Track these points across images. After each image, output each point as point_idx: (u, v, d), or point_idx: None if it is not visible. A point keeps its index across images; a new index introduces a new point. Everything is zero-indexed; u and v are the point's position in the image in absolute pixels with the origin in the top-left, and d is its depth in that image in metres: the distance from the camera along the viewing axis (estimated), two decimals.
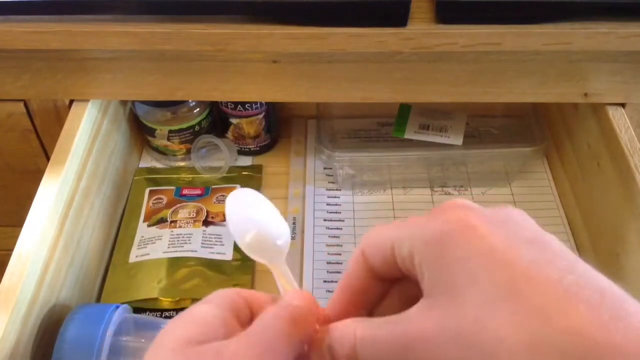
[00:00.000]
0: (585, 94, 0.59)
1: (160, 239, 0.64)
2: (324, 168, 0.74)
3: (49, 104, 0.62)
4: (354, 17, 0.51)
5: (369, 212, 0.70)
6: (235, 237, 0.32)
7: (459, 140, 0.68)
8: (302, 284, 0.62)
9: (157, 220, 0.66)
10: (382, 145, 0.76)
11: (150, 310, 0.59)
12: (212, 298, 0.29)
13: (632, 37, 0.52)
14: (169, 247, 0.63)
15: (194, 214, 0.67)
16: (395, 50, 0.53)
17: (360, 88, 0.58)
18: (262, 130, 0.74)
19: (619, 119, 0.58)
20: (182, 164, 0.74)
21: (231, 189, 0.70)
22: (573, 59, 0.56)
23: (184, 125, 0.71)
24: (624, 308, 0.21)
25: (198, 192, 0.70)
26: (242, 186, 0.70)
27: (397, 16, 0.51)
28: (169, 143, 0.72)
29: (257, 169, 0.74)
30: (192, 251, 0.63)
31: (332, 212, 0.70)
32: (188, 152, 0.73)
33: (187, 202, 0.68)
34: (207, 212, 0.67)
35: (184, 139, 0.72)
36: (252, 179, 0.72)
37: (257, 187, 0.72)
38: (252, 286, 0.62)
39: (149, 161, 0.75)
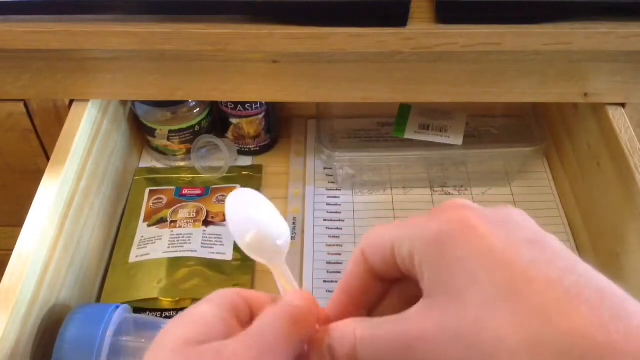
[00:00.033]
0: (585, 94, 0.59)
1: (160, 239, 0.64)
2: (324, 168, 0.74)
3: (49, 104, 0.62)
4: (354, 17, 0.51)
5: (369, 212, 0.70)
6: (235, 237, 0.32)
7: (459, 140, 0.68)
8: (302, 284, 0.62)
9: (157, 220, 0.66)
10: (382, 145, 0.76)
11: (150, 310, 0.59)
12: (212, 298, 0.29)
13: (632, 37, 0.52)
14: (169, 247, 0.63)
15: (194, 214, 0.67)
16: (395, 50, 0.53)
17: (360, 88, 0.58)
18: (262, 130, 0.74)
19: (619, 119, 0.58)
20: (182, 164, 0.74)
21: (231, 189, 0.70)
22: (573, 59, 0.56)
23: (184, 125, 0.71)
24: (624, 308, 0.21)
25: (198, 192, 0.70)
26: (242, 186, 0.70)
27: (397, 16, 0.51)
28: (169, 143, 0.72)
29: (257, 169, 0.74)
30: (192, 251, 0.63)
31: (332, 212, 0.70)
32: (188, 152, 0.73)
33: (187, 202, 0.68)
34: (207, 212, 0.67)
35: (184, 139, 0.72)
36: (252, 179, 0.72)
37: (257, 187, 0.72)
38: (252, 286, 0.62)
39: (149, 161, 0.75)
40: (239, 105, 0.70)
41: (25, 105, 0.62)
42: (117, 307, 0.51)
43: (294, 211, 0.69)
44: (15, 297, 0.45)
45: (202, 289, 0.60)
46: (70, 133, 0.57)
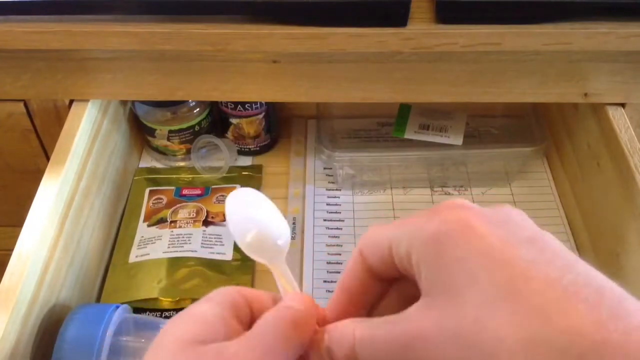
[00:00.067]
0: (585, 94, 0.59)
1: (160, 239, 0.64)
2: (324, 168, 0.74)
3: (49, 104, 0.62)
4: (354, 17, 0.51)
5: (369, 212, 0.70)
6: (236, 237, 0.32)
7: (459, 140, 0.68)
8: (302, 284, 0.62)
9: (157, 220, 0.66)
10: (382, 145, 0.76)
11: (150, 310, 0.59)
12: (212, 296, 0.29)
13: (632, 37, 0.52)
14: (169, 247, 0.63)
15: (194, 214, 0.67)
16: (395, 50, 0.53)
17: (360, 88, 0.58)
18: (262, 130, 0.74)
19: (619, 119, 0.58)
20: (182, 164, 0.74)
21: (231, 189, 0.70)
22: (573, 59, 0.56)
23: (184, 125, 0.71)
24: (623, 307, 0.21)
25: (198, 192, 0.70)
26: (242, 186, 0.70)
27: (397, 16, 0.51)
28: (169, 143, 0.72)
29: (257, 169, 0.74)
30: (192, 251, 0.63)
31: (332, 212, 0.70)
32: (188, 152, 0.73)
33: (187, 202, 0.68)
34: (207, 212, 0.67)
35: (184, 139, 0.72)
36: (252, 179, 0.72)
37: (257, 187, 0.72)
38: (252, 286, 0.62)
39: (149, 161, 0.75)
40: (239, 105, 0.70)
41: (25, 105, 0.62)
42: (117, 307, 0.51)
43: (294, 211, 0.69)
44: (15, 297, 0.45)
45: (202, 289, 0.60)
46: (70, 133, 0.57)
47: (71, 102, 0.61)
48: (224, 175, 0.72)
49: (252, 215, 0.33)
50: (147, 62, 0.57)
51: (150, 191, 0.70)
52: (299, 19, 0.52)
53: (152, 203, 0.69)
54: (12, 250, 0.48)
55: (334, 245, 0.66)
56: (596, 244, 0.62)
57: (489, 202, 0.71)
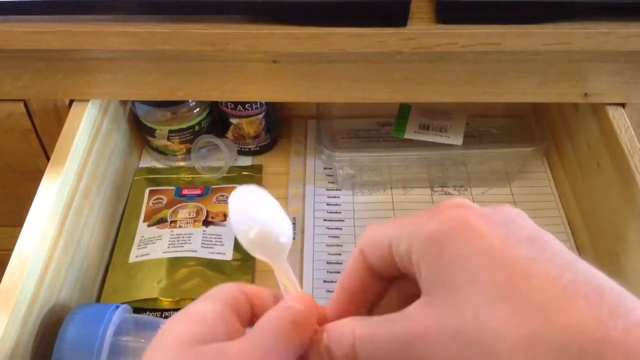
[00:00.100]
0: (585, 94, 0.59)
1: (160, 239, 0.64)
2: (324, 168, 0.74)
3: (49, 104, 0.62)
4: (354, 17, 0.51)
5: (369, 212, 0.70)
6: (238, 235, 0.32)
7: (459, 140, 0.68)
8: (302, 284, 0.62)
9: (157, 220, 0.66)
10: (382, 145, 0.76)
11: (150, 310, 0.59)
12: (212, 294, 0.29)
13: (632, 37, 0.52)
14: (169, 247, 0.63)
15: (194, 214, 0.67)
16: (395, 50, 0.53)
17: (360, 88, 0.58)
18: (262, 130, 0.74)
19: (619, 119, 0.58)
20: (182, 164, 0.74)
21: (231, 189, 0.69)
22: (573, 59, 0.56)
23: (184, 125, 0.71)
24: (623, 305, 0.21)
25: (198, 192, 0.70)
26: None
27: (397, 16, 0.51)
28: (169, 143, 0.72)
29: (257, 169, 0.74)
30: (192, 251, 0.63)
31: (332, 212, 0.70)
32: (188, 152, 0.73)
33: (187, 202, 0.68)
34: (207, 212, 0.67)
35: (184, 139, 0.72)
36: (252, 179, 0.72)
37: None
38: None
39: (149, 161, 0.75)
40: (239, 105, 0.70)
41: (25, 105, 0.62)
42: (117, 307, 0.51)
43: (294, 211, 0.69)
44: (15, 297, 0.45)
45: (202, 289, 0.60)
46: (70, 133, 0.57)
47: (71, 102, 0.61)
48: (224, 175, 0.72)
49: (255, 213, 0.33)
50: (147, 62, 0.57)
51: (150, 191, 0.70)
52: (299, 19, 0.52)
53: (152, 203, 0.69)
54: (12, 250, 0.48)
55: (334, 245, 0.66)
56: (596, 244, 0.62)
57: (489, 202, 0.71)
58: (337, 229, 0.68)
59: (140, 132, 0.74)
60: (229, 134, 0.74)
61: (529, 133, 0.70)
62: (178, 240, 0.64)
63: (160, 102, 0.68)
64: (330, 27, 0.52)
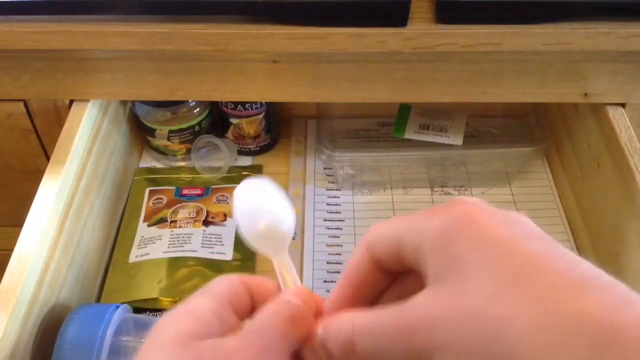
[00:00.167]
0: (585, 94, 0.59)
1: (160, 239, 0.64)
2: (324, 168, 0.74)
3: (49, 104, 0.62)
4: (354, 17, 0.51)
5: (369, 212, 0.70)
6: (244, 227, 0.32)
7: (459, 140, 0.68)
8: (302, 284, 0.62)
9: (157, 220, 0.66)
10: (382, 145, 0.76)
11: (150, 310, 0.59)
12: (210, 288, 0.29)
13: (632, 37, 0.52)
14: (169, 247, 0.63)
15: (194, 214, 0.67)
16: (395, 50, 0.53)
17: (360, 88, 0.58)
18: (262, 130, 0.74)
19: (619, 119, 0.58)
20: (182, 164, 0.74)
21: (231, 189, 0.70)
22: (573, 59, 0.56)
23: (184, 125, 0.71)
24: (633, 297, 0.21)
25: (198, 192, 0.70)
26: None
27: (397, 16, 0.51)
28: (169, 143, 0.72)
29: (257, 169, 0.74)
30: (192, 251, 0.63)
31: (332, 212, 0.70)
32: (188, 152, 0.73)
33: (187, 202, 0.68)
34: (207, 212, 0.67)
35: (184, 139, 0.72)
36: None
37: None
38: None
39: (149, 161, 0.75)
40: (239, 105, 0.70)
41: (25, 105, 0.62)
42: (117, 307, 0.51)
43: None
44: (15, 297, 0.45)
45: None
46: (70, 133, 0.57)
47: (71, 102, 0.61)
48: (224, 175, 0.72)
49: (264, 204, 0.32)
50: (147, 62, 0.57)
51: (150, 191, 0.70)
52: (299, 19, 0.52)
53: (152, 203, 0.69)
54: (12, 250, 0.48)
55: (334, 245, 0.66)
56: (596, 244, 0.62)
57: (489, 202, 0.70)
58: (337, 229, 0.68)
59: (140, 132, 0.74)
60: (229, 134, 0.74)
61: (529, 133, 0.70)
62: (178, 240, 0.64)
63: (160, 102, 0.68)
64: (330, 27, 0.52)
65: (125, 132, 0.70)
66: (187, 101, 0.70)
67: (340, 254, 0.65)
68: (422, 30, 0.52)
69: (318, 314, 0.29)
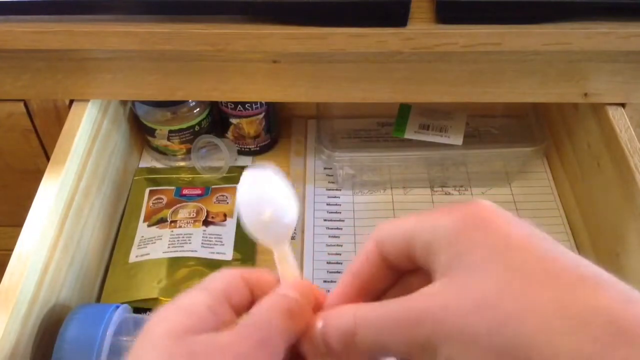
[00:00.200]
0: (585, 94, 0.59)
1: (160, 239, 0.64)
2: (324, 168, 0.74)
3: (49, 104, 0.62)
4: (354, 17, 0.51)
5: (369, 212, 0.70)
6: (248, 216, 0.32)
7: (459, 140, 0.68)
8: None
9: (157, 220, 0.66)
10: (382, 145, 0.76)
11: (150, 310, 0.59)
12: (205, 283, 0.29)
13: (632, 37, 0.52)
14: (169, 247, 0.63)
15: (194, 214, 0.67)
16: (395, 50, 0.53)
17: (360, 88, 0.58)
18: (262, 130, 0.74)
19: (619, 119, 0.58)
20: (182, 164, 0.74)
21: (231, 189, 0.70)
22: (573, 59, 0.56)
23: (184, 125, 0.71)
24: (635, 293, 0.22)
25: (198, 192, 0.70)
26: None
27: (397, 16, 0.51)
28: (169, 143, 0.72)
29: None
30: (192, 251, 0.63)
31: (332, 212, 0.70)
32: (188, 152, 0.73)
33: (187, 202, 0.68)
34: (207, 212, 0.67)
35: (184, 139, 0.72)
36: None
37: None
38: None
39: (149, 161, 0.75)
40: (239, 105, 0.70)
41: (25, 105, 0.62)
42: (117, 307, 0.51)
43: None
44: (15, 297, 0.45)
45: None
46: (70, 133, 0.57)
47: (71, 102, 0.61)
48: (224, 175, 0.72)
49: (269, 193, 0.32)
50: (147, 62, 0.57)
51: (150, 191, 0.70)
52: (299, 19, 0.52)
53: (152, 203, 0.69)
54: (12, 250, 0.48)
55: (334, 245, 0.66)
56: (596, 244, 0.62)
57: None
58: (337, 229, 0.68)
59: (140, 132, 0.74)
60: (229, 134, 0.74)
61: (529, 133, 0.70)
62: (178, 240, 0.64)
63: (160, 102, 0.68)
64: (330, 27, 0.52)
65: (125, 132, 0.70)
66: (187, 101, 0.70)
67: (340, 254, 0.65)
68: (422, 30, 0.52)
69: (319, 307, 0.29)
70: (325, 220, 0.69)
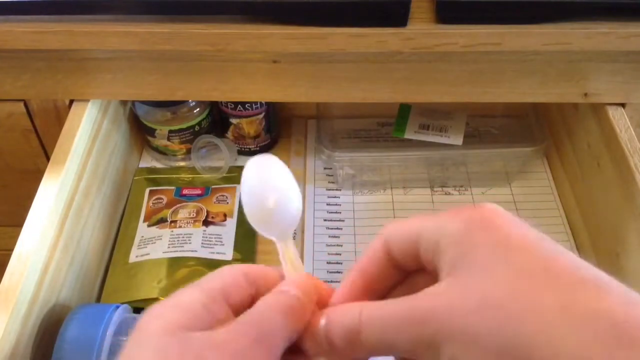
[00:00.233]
0: (585, 94, 0.59)
1: (160, 239, 0.64)
2: (324, 168, 0.74)
3: (49, 104, 0.62)
4: (354, 17, 0.51)
5: (369, 212, 0.70)
6: (251, 206, 0.31)
7: (459, 140, 0.68)
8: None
9: (157, 220, 0.66)
10: (382, 145, 0.76)
11: None
12: (202, 281, 0.28)
13: (632, 37, 0.52)
14: (169, 247, 0.63)
15: (194, 214, 0.67)
16: (395, 50, 0.53)
17: (360, 88, 0.58)
18: (262, 130, 0.74)
19: (619, 119, 0.58)
20: (182, 164, 0.74)
21: (231, 189, 0.70)
22: (573, 59, 0.56)
23: (184, 125, 0.71)
24: (635, 295, 0.22)
25: (198, 192, 0.70)
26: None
27: (397, 16, 0.51)
28: (169, 143, 0.72)
29: None
30: (192, 251, 0.63)
31: (332, 212, 0.70)
32: (188, 152, 0.73)
33: (187, 202, 0.68)
34: (207, 212, 0.67)
35: (184, 139, 0.72)
36: None
37: None
38: None
39: (149, 161, 0.75)
40: (239, 105, 0.70)
41: (25, 105, 0.62)
42: (117, 307, 0.51)
43: None
44: (15, 297, 0.45)
45: None
46: (70, 133, 0.57)
47: (71, 102, 0.61)
48: (224, 175, 0.72)
49: (273, 184, 0.32)
50: (147, 62, 0.57)
51: (150, 191, 0.70)
52: (299, 19, 0.52)
53: (152, 203, 0.69)
54: (12, 250, 0.48)
55: (334, 245, 0.66)
56: (596, 244, 0.62)
57: (489, 202, 0.70)
58: (337, 229, 0.68)
59: (140, 132, 0.74)
60: (229, 134, 0.74)
61: (529, 133, 0.70)
62: (178, 240, 0.64)
63: (160, 102, 0.68)
64: (330, 27, 0.52)
65: (125, 132, 0.70)
66: (187, 101, 0.70)
67: (340, 254, 0.65)
68: (422, 30, 0.52)
69: (325, 303, 0.29)
70: (325, 220, 0.69)
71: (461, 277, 0.24)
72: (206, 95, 0.60)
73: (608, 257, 0.59)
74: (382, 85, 0.58)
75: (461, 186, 0.72)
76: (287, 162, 0.81)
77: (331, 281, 0.62)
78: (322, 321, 0.27)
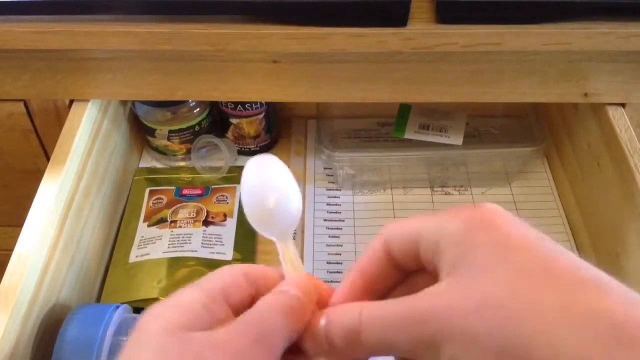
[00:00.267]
0: (585, 94, 0.59)
1: (160, 239, 0.64)
2: (324, 168, 0.74)
3: (49, 104, 0.62)
4: (354, 17, 0.51)
5: (369, 212, 0.70)
6: (251, 205, 0.31)
7: (459, 140, 0.68)
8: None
9: (157, 220, 0.66)
10: (382, 145, 0.76)
11: None
12: (202, 281, 0.28)
13: (632, 37, 0.52)
14: (169, 247, 0.63)
15: (194, 214, 0.67)
16: (395, 50, 0.53)
17: (360, 88, 0.58)
18: (262, 130, 0.74)
19: (619, 119, 0.58)
20: (182, 164, 0.74)
21: (231, 189, 0.70)
22: (573, 59, 0.56)
23: (184, 125, 0.71)
24: (634, 295, 0.22)
25: (198, 192, 0.70)
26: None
27: (397, 16, 0.51)
28: (169, 143, 0.72)
29: None
30: (192, 251, 0.63)
31: (332, 212, 0.70)
32: (188, 152, 0.73)
33: (187, 202, 0.68)
34: (207, 212, 0.67)
35: (184, 139, 0.72)
36: None
37: None
38: None
39: (149, 161, 0.75)
40: (239, 105, 0.70)
41: (25, 105, 0.62)
42: (117, 307, 0.51)
43: None
44: (15, 297, 0.45)
45: None
46: (70, 133, 0.57)
47: (71, 102, 0.61)
48: (224, 175, 0.72)
49: (274, 183, 0.32)
50: (147, 62, 0.57)
51: (150, 191, 0.70)
52: (299, 19, 0.52)
53: (152, 203, 0.69)
54: (12, 250, 0.48)
55: (334, 245, 0.66)
56: (596, 244, 0.62)
57: (489, 202, 0.70)
58: (337, 229, 0.68)
59: (140, 132, 0.74)
60: (229, 134, 0.74)
61: (529, 133, 0.70)
62: (178, 240, 0.64)
63: (160, 102, 0.68)
64: (330, 27, 0.52)
65: (125, 132, 0.70)
66: (187, 101, 0.70)
67: (340, 254, 0.65)
68: (422, 30, 0.52)
69: (325, 303, 0.29)
70: (325, 220, 0.69)
71: (461, 277, 0.24)
72: (206, 95, 0.60)
73: (608, 257, 0.59)
74: (382, 85, 0.58)
75: (461, 186, 0.72)
76: (287, 162, 0.80)
77: (331, 281, 0.62)
78: (322, 321, 0.27)
